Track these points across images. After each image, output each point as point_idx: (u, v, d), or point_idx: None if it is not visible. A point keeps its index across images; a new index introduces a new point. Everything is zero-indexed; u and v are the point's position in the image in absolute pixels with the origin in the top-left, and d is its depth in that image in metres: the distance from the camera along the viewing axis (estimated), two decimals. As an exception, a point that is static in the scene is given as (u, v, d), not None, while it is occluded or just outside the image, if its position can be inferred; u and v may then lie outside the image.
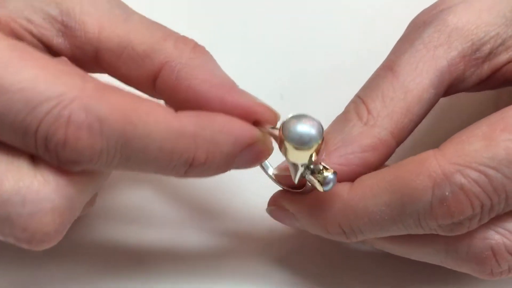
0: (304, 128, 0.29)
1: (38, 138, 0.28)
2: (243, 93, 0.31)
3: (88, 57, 0.31)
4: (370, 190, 0.31)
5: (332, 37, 0.41)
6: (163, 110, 0.29)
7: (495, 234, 0.31)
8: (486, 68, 0.33)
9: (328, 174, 0.30)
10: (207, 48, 0.32)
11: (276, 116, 0.31)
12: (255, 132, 0.30)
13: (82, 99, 0.27)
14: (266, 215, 0.35)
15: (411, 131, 0.32)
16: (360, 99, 0.33)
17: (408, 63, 0.32)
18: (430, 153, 0.30)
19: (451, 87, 0.33)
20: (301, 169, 0.31)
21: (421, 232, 0.31)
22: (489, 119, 0.31)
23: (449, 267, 0.33)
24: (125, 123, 0.28)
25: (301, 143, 0.29)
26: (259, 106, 0.31)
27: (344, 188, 0.31)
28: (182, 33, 0.32)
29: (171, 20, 0.33)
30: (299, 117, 0.29)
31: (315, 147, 0.29)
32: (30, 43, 0.31)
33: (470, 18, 0.33)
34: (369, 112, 0.32)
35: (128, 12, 0.32)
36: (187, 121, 0.29)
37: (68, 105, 0.27)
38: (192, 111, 0.30)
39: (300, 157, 0.30)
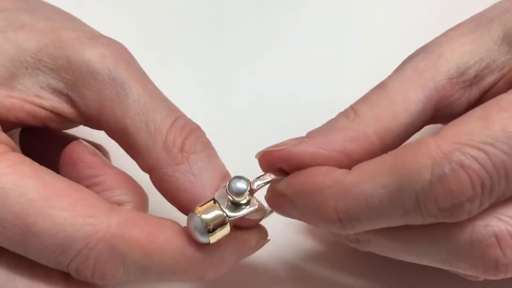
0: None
1: (70, 270, 0.31)
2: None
3: (95, 126, 0.34)
4: (368, 174, 0.31)
5: (332, 72, 0.42)
6: (179, 238, 0.32)
7: (497, 220, 0.31)
8: (475, 91, 0.34)
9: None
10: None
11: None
12: (253, 243, 0.34)
13: (108, 240, 0.30)
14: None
15: (401, 139, 0.33)
16: (350, 107, 0.34)
17: (396, 81, 0.33)
18: (428, 136, 0.30)
19: (441, 108, 0.34)
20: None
21: (420, 220, 0.31)
22: (484, 104, 0.31)
23: (450, 268, 0.32)
24: (144, 257, 0.31)
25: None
26: None
27: (341, 173, 0.31)
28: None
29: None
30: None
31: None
32: (45, 118, 0.33)
33: (455, 48, 0.34)
34: (356, 113, 0.33)
35: (127, 86, 0.33)
36: (198, 246, 0.32)
37: (95, 246, 0.30)
38: None
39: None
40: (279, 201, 0.34)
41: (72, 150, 0.33)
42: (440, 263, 0.33)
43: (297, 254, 0.38)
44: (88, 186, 0.32)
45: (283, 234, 0.38)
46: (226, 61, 0.44)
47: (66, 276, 0.32)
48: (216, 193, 0.33)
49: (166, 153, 0.33)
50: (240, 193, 0.32)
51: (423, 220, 0.31)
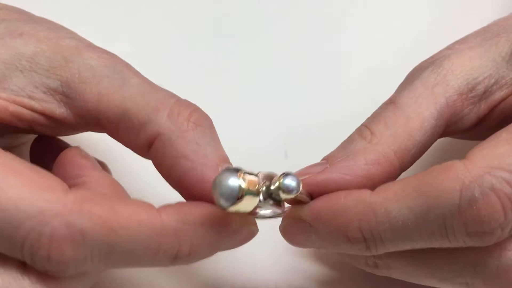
0: (221, 190, 0.30)
1: (24, 253, 0.29)
2: None
3: (90, 123, 0.33)
4: (394, 195, 0.30)
5: (333, 93, 0.42)
6: (144, 211, 0.30)
7: None
8: (483, 106, 0.34)
9: (283, 181, 0.31)
10: (212, 110, 0.33)
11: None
12: (237, 222, 0.32)
13: (64, 215, 0.29)
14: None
15: (415, 157, 0.33)
16: (363, 125, 0.33)
17: (408, 97, 0.33)
18: (456, 161, 0.30)
19: (451, 124, 0.34)
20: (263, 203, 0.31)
21: (446, 243, 0.30)
22: (506, 128, 0.31)
23: None
24: (108, 232, 0.29)
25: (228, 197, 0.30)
26: None
27: (366, 193, 0.31)
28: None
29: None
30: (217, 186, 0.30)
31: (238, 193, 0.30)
32: (31, 121, 0.33)
33: (464, 63, 0.34)
34: (372, 133, 0.33)
35: (125, 77, 0.33)
36: (169, 219, 0.30)
37: (49, 222, 0.29)
38: (174, 205, 0.31)
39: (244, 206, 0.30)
40: (298, 227, 0.33)
41: (66, 152, 0.33)
42: (464, 287, 0.32)
43: (302, 279, 0.38)
44: (71, 185, 0.31)
45: (286, 258, 0.38)
46: (225, 72, 0.44)
47: (22, 265, 0.30)
48: (261, 174, 0.31)
49: (171, 122, 0.32)
50: (289, 191, 0.31)
51: (450, 244, 0.30)
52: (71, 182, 0.32)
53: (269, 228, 0.34)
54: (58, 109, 0.33)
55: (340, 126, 0.36)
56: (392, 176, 0.32)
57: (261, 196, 0.31)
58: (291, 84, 0.43)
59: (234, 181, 0.29)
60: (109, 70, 0.33)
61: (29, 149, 0.36)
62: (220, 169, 0.31)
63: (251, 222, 0.33)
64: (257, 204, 0.30)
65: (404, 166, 0.33)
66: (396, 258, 0.33)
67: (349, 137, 0.34)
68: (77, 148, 0.33)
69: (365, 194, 0.31)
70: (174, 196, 0.33)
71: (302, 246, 0.34)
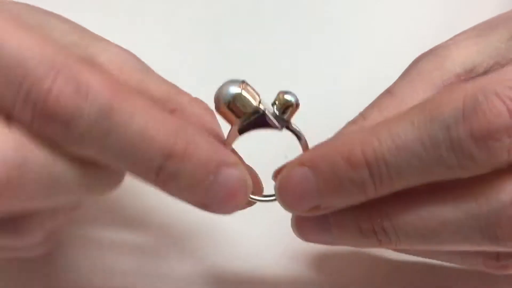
0: (220, 92, 0.31)
1: (23, 89, 0.27)
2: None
3: None
4: (396, 116, 0.30)
5: (334, 94, 0.43)
6: (154, 104, 0.29)
7: None
8: None
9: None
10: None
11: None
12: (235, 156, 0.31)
13: (75, 64, 0.27)
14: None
15: None
16: (358, 114, 0.33)
17: (404, 85, 0.34)
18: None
19: None
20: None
21: (453, 160, 0.29)
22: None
23: (485, 239, 0.30)
24: (113, 96, 0.28)
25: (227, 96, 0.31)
26: None
27: (360, 119, 0.31)
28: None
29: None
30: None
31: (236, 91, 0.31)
32: None
33: (460, 51, 0.34)
34: (364, 118, 0.32)
35: (148, 68, 0.33)
36: (173, 117, 0.30)
37: (61, 63, 0.27)
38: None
39: (244, 105, 0.31)
40: (296, 175, 0.31)
41: None
42: (479, 233, 0.30)
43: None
44: None
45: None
46: (226, 73, 0.43)
47: (7, 119, 0.28)
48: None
49: (190, 105, 0.33)
50: (289, 104, 0.32)
51: (457, 160, 0.29)
52: None
53: (269, 229, 0.34)
54: None
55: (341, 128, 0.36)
56: None
57: (262, 106, 0.32)
58: (292, 85, 0.43)
59: (234, 89, 0.31)
60: (134, 59, 0.33)
61: None
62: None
63: (248, 174, 0.31)
64: (256, 114, 0.31)
65: None
66: (403, 211, 0.31)
67: (343, 127, 0.34)
68: None
69: (364, 126, 0.31)
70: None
71: (299, 204, 0.32)
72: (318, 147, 0.32)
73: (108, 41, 0.33)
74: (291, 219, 0.33)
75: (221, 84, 0.31)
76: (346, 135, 0.31)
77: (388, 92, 0.34)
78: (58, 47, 0.28)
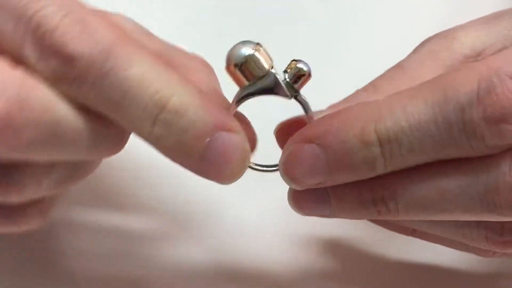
0: (233, 51, 0.30)
1: (32, 22, 0.28)
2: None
3: None
4: (408, 92, 0.30)
5: (334, 95, 0.42)
6: (155, 56, 0.29)
7: None
8: None
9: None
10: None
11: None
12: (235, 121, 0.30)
13: (84, 9, 0.28)
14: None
15: None
16: (369, 83, 0.34)
17: (414, 61, 0.34)
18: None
19: None
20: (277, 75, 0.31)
21: (464, 141, 0.29)
22: None
23: (483, 208, 0.31)
24: (116, 41, 0.28)
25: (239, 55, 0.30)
26: None
27: (377, 99, 0.31)
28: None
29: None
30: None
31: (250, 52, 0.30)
32: None
33: (469, 33, 0.35)
34: (375, 87, 0.33)
35: (149, 31, 0.34)
36: (173, 71, 0.29)
37: (70, 6, 0.28)
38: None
39: (256, 67, 0.30)
40: (303, 152, 0.31)
41: None
42: (478, 201, 0.31)
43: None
44: None
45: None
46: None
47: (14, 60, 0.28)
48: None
49: (189, 62, 0.34)
50: (302, 74, 0.31)
51: (467, 142, 0.29)
52: None
53: (268, 230, 0.34)
54: None
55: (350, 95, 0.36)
56: None
57: (273, 71, 0.31)
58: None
59: (247, 50, 0.30)
60: (136, 26, 0.35)
61: None
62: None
63: (245, 136, 0.31)
64: (267, 79, 0.30)
65: None
66: (403, 182, 0.31)
67: (352, 93, 0.34)
68: None
69: (377, 100, 0.30)
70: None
71: (305, 181, 0.32)
72: (326, 120, 0.31)
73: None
74: (288, 192, 0.33)
75: (234, 44, 0.30)
76: (357, 108, 0.31)
77: (399, 66, 0.34)
78: None
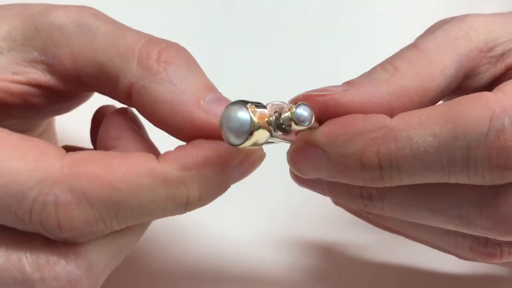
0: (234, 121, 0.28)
1: (36, 225, 0.29)
2: (207, 109, 0.30)
3: (76, 85, 0.33)
4: (418, 120, 0.29)
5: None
6: (143, 163, 0.29)
7: None
8: (500, 66, 0.34)
9: (294, 111, 0.29)
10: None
11: None
12: (242, 153, 0.30)
13: (63, 180, 0.28)
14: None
15: (431, 103, 0.32)
16: (386, 61, 0.32)
17: (431, 44, 0.33)
18: (486, 92, 0.29)
19: (467, 78, 0.34)
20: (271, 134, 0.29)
21: (464, 177, 0.29)
22: None
23: (462, 226, 0.31)
24: (109, 190, 0.29)
25: (240, 131, 0.28)
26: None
27: (385, 118, 0.30)
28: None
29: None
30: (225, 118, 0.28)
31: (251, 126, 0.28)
32: (23, 93, 0.33)
33: (486, 23, 0.34)
34: (395, 68, 0.32)
35: (93, 28, 0.32)
36: (170, 167, 0.29)
37: (51, 190, 0.28)
38: (174, 151, 0.30)
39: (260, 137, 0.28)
40: (308, 152, 0.31)
41: (112, 113, 0.33)
42: (457, 220, 0.31)
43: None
44: (107, 147, 0.31)
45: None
46: (226, 75, 0.43)
47: (47, 240, 0.30)
48: (270, 105, 0.29)
49: (141, 68, 0.31)
50: (302, 121, 0.29)
51: (467, 178, 0.29)
52: (107, 143, 0.31)
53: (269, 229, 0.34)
54: (42, 77, 0.33)
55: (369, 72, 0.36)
56: None
57: (271, 140, 0.30)
58: (292, 86, 0.43)
59: (243, 115, 0.27)
60: (76, 25, 0.32)
61: (55, 134, 0.36)
62: (203, 102, 0.30)
63: (257, 150, 0.31)
64: (274, 138, 0.29)
65: (421, 107, 0.31)
66: (394, 188, 0.31)
67: (371, 68, 0.33)
68: (125, 109, 0.33)
69: (386, 119, 0.30)
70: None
71: (308, 175, 0.32)
72: (333, 127, 0.31)
73: (58, 6, 0.34)
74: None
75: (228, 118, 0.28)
76: (363, 122, 0.30)
77: (416, 46, 0.33)
78: (39, 162, 0.29)
